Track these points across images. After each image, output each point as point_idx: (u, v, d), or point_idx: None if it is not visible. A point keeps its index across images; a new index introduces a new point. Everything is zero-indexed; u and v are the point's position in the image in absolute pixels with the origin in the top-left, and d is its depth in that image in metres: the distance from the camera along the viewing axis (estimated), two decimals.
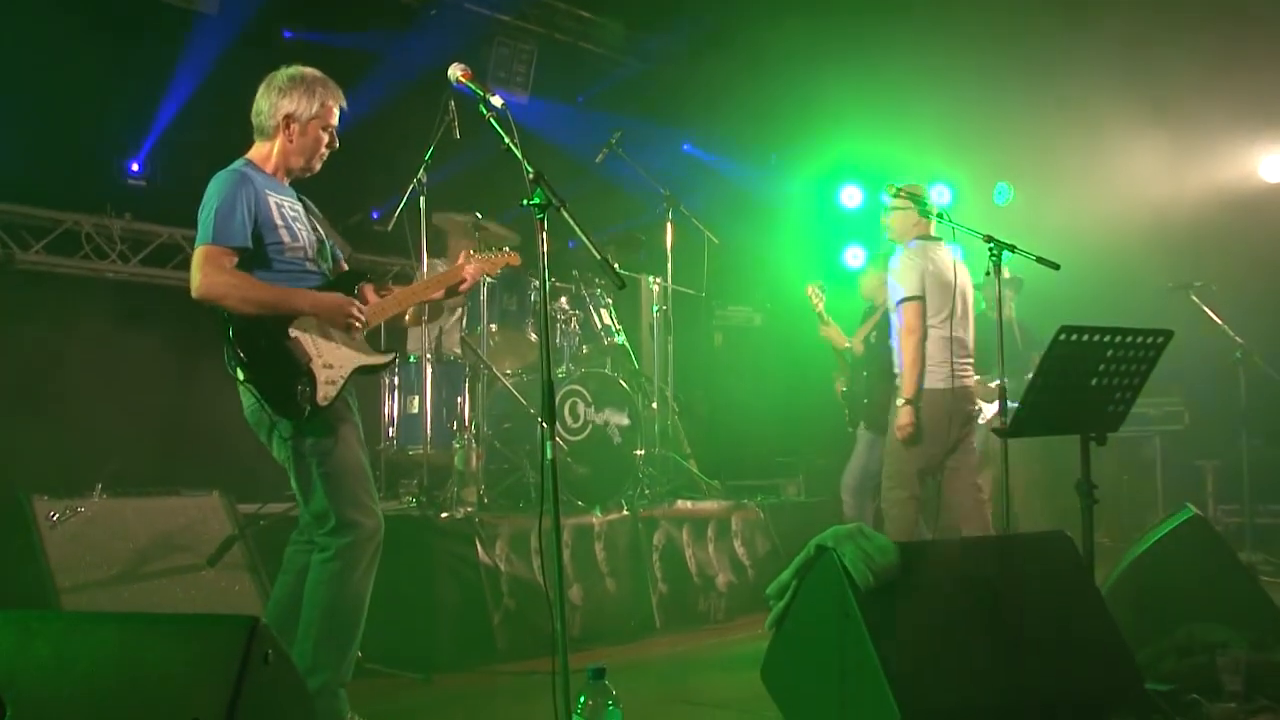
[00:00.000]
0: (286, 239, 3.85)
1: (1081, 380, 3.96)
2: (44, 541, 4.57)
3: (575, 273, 6.81)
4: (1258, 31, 7.80)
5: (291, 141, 3.94)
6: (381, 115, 7.80)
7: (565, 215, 3.40)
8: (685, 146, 10.13)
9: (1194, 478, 8.49)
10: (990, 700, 3.35)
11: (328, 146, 4.03)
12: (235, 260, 3.73)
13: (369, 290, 4.08)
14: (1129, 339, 4.00)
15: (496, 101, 3.54)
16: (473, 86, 3.60)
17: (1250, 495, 7.72)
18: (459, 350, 6.43)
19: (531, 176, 3.39)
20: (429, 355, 6.04)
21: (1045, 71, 8.43)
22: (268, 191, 3.86)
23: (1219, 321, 7.48)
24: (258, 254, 3.80)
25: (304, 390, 3.68)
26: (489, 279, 6.20)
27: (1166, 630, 4.26)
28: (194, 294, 3.70)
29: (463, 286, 4.19)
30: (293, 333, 3.75)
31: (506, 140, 3.49)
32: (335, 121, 4.01)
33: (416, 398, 6.14)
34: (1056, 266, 4.56)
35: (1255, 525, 7.67)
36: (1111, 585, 4.56)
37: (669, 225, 7.28)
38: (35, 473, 5.34)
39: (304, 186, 4.10)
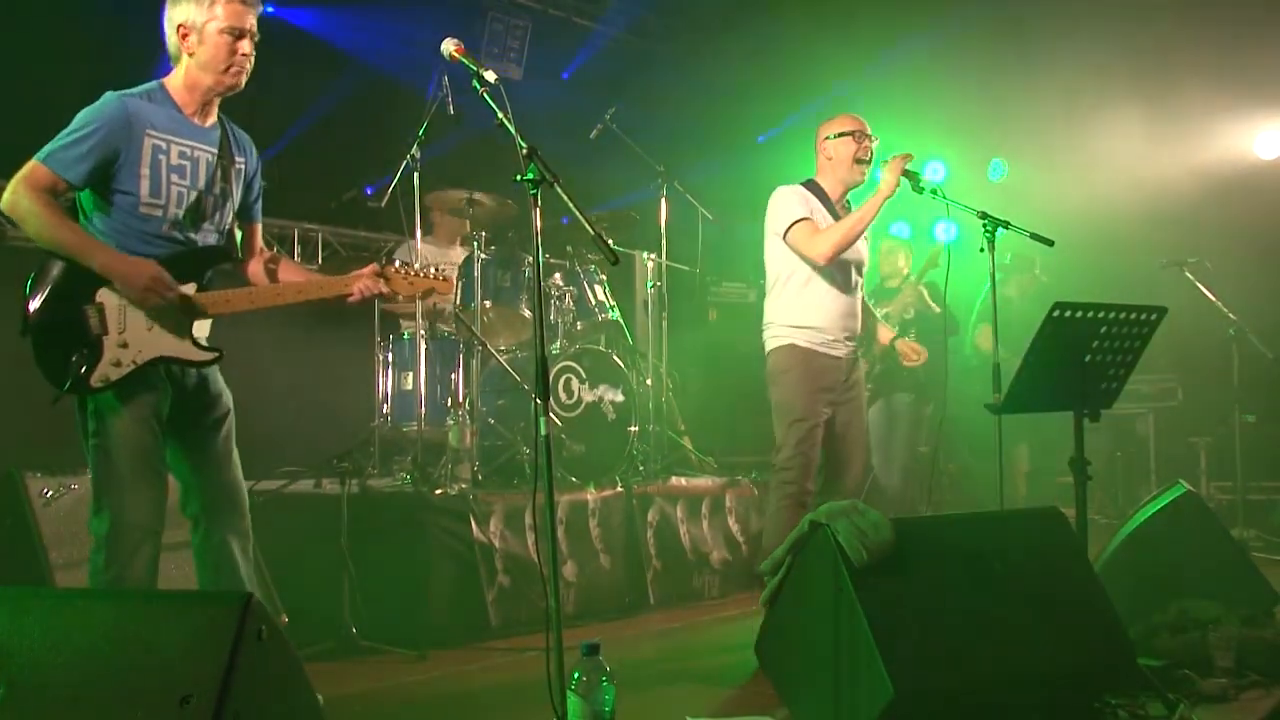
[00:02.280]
0: (143, 191, 3.41)
1: (1075, 357, 3.97)
2: (36, 518, 4.55)
3: (569, 249, 6.79)
4: (1252, 10, 7.78)
5: (193, 56, 3.48)
6: (375, 91, 7.78)
7: (559, 191, 3.38)
8: (677, 121, 10.12)
9: (1187, 454, 8.51)
10: (984, 676, 3.36)
11: (248, 56, 3.50)
12: (63, 189, 3.35)
13: (274, 271, 3.80)
14: (1122, 315, 4.01)
15: (490, 77, 3.50)
16: (466, 62, 3.56)
17: (1243, 472, 7.75)
18: (453, 326, 6.41)
19: (525, 152, 3.37)
20: (423, 332, 6.02)
21: (1040, 49, 8.42)
22: (152, 130, 3.43)
23: (1213, 298, 7.48)
24: (102, 198, 3.41)
25: (77, 363, 3.32)
26: (483, 256, 6.19)
27: (1159, 606, 4.29)
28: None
29: (349, 299, 3.70)
30: (100, 298, 3.38)
31: (500, 116, 3.46)
32: (245, 24, 3.46)
33: (410, 374, 6.13)
34: (1050, 243, 4.55)
35: (1248, 502, 7.69)
36: (1105, 561, 4.58)
37: (663, 201, 7.26)
38: (28, 449, 5.32)
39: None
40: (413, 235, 5.86)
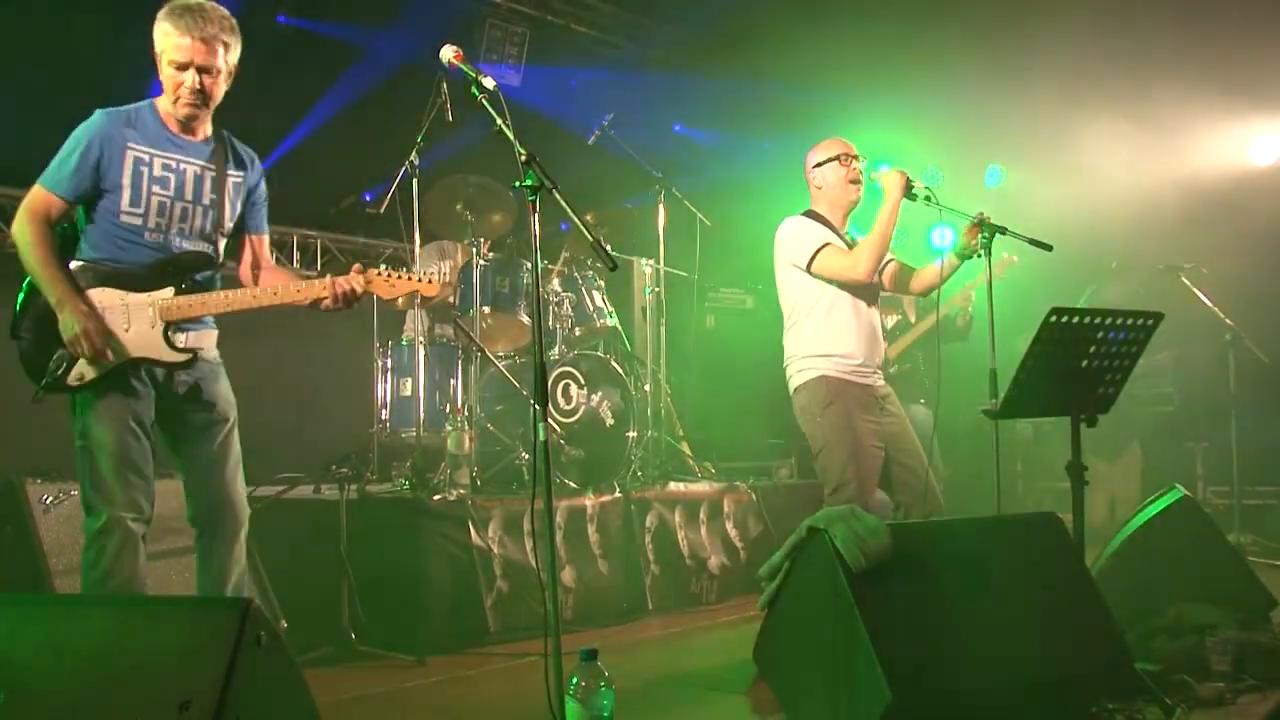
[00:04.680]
0: (124, 201, 3.56)
1: (1072, 362, 3.97)
2: (36, 525, 4.55)
3: (567, 254, 6.80)
4: (1246, 16, 7.79)
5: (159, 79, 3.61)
6: (374, 98, 7.79)
7: (557, 197, 3.38)
8: (676, 127, 10.12)
9: (1184, 459, 8.50)
10: (981, 681, 3.36)
11: (191, 90, 3.58)
12: (61, 210, 3.55)
13: (258, 275, 3.88)
14: (1119, 321, 4.01)
15: (488, 83, 3.51)
16: (464, 69, 3.57)
17: (1239, 476, 7.74)
18: (452, 332, 6.42)
19: (524, 159, 3.38)
20: (421, 338, 6.02)
21: (1035, 56, 8.41)
22: (134, 144, 3.58)
23: (1209, 304, 7.49)
24: (90, 208, 3.59)
25: (56, 362, 3.47)
26: (481, 261, 6.19)
27: (1156, 611, 4.28)
28: None
29: (324, 304, 3.72)
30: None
31: (499, 122, 3.47)
32: (186, 58, 3.54)
33: (409, 380, 6.14)
34: (1049, 248, 4.52)
35: (1244, 506, 7.67)
36: (1102, 566, 4.58)
37: (661, 207, 7.26)
38: (28, 456, 5.32)
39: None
40: (410, 240, 5.86)
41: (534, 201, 3.39)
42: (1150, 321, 4.08)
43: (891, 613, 3.29)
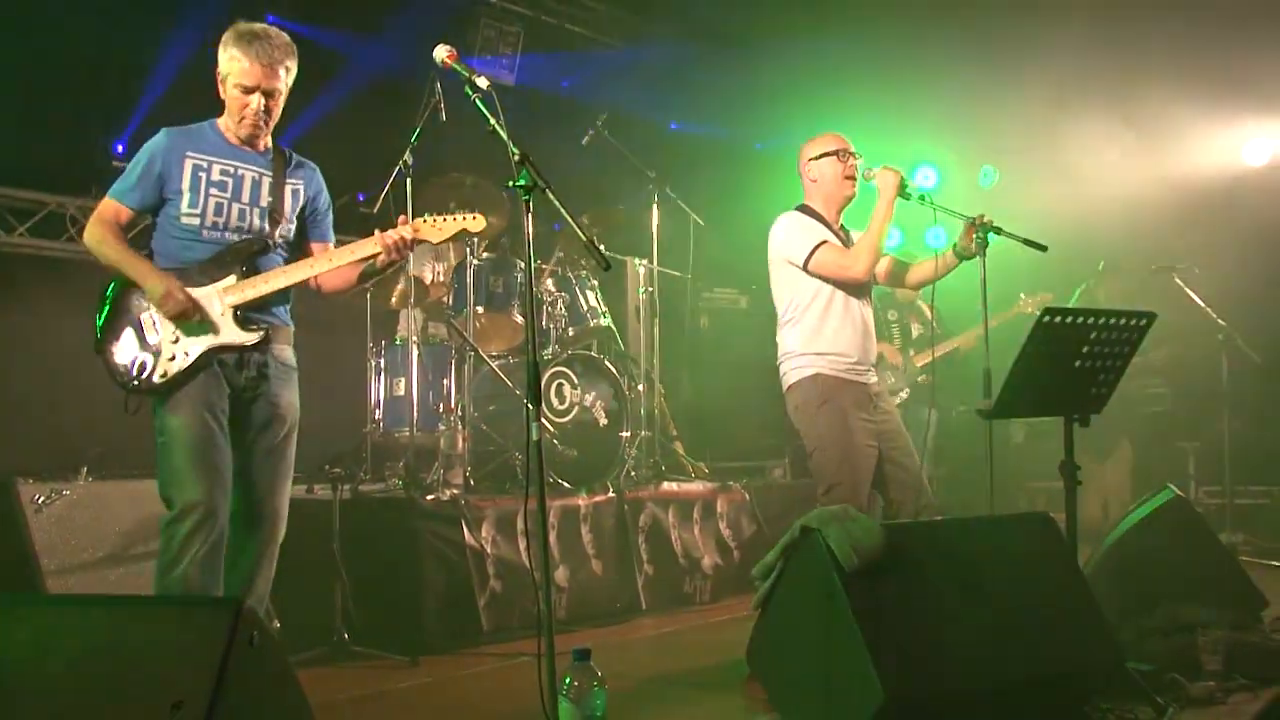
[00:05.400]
0: (184, 204, 3.74)
1: (1065, 362, 3.96)
2: (29, 525, 4.55)
3: (561, 254, 6.79)
4: (1239, 18, 7.80)
5: (223, 100, 3.83)
6: (368, 96, 7.78)
7: (551, 197, 3.38)
8: (673, 125, 10.13)
9: (1176, 459, 8.51)
10: (974, 681, 3.36)
11: (255, 112, 3.77)
12: (129, 217, 3.77)
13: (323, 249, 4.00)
14: (1112, 321, 4.00)
15: (482, 83, 3.51)
16: (458, 69, 3.57)
17: (1231, 476, 7.76)
18: (445, 333, 6.41)
19: (517, 158, 3.38)
20: (415, 338, 6.02)
21: (1031, 56, 8.42)
22: (193, 153, 3.76)
23: (1202, 304, 7.50)
24: (157, 217, 3.80)
25: (141, 365, 3.65)
26: (474, 260, 6.18)
27: (1148, 610, 4.29)
28: None
29: (379, 260, 3.85)
30: (151, 305, 3.69)
31: (492, 122, 3.47)
32: (253, 82, 3.72)
33: (402, 380, 6.13)
34: (1043, 248, 4.52)
35: (1235, 506, 7.69)
36: (1094, 566, 4.58)
37: (655, 208, 7.26)
38: (21, 456, 5.31)
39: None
40: None
41: (528, 201, 3.39)
42: (1143, 322, 4.08)
43: (884, 613, 3.29)
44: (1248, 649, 4.04)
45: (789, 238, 4.79)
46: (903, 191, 4.71)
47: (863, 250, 4.69)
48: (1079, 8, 8.19)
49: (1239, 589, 4.73)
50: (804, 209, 4.90)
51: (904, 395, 7.23)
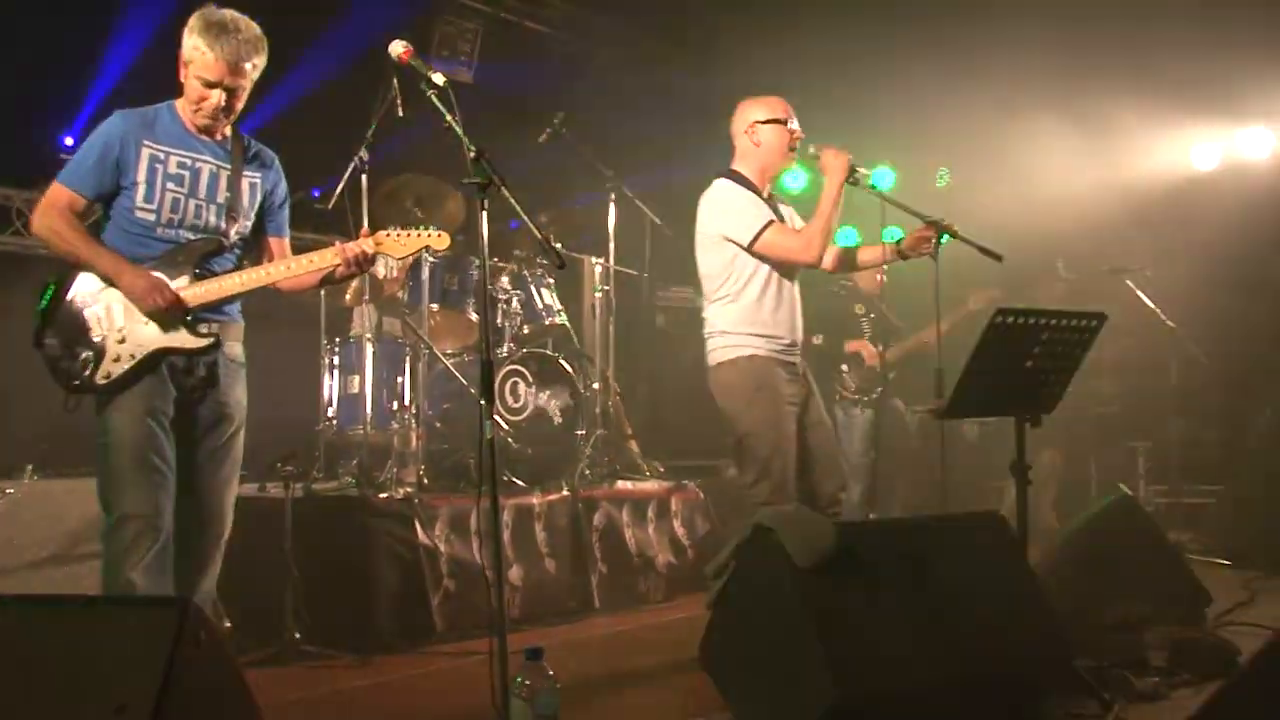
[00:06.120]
0: (138, 197, 3.59)
1: (1016, 362, 3.99)
2: None
3: (517, 252, 6.77)
4: (1189, 21, 7.90)
5: (182, 83, 3.65)
6: (323, 92, 7.71)
7: (506, 194, 3.37)
8: (631, 123, 10.11)
9: (1127, 459, 8.61)
10: (925, 679, 3.38)
11: (215, 107, 3.61)
12: (82, 204, 3.58)
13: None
14: (1064, 322, 4.04)
15: (438, 79, 3.49)
16: (414, 64, 3.56)
17: (1179, 476, 7.88)
18: (400, 330, 6.37)
19: (473, 155, 3.36)
20: (369, 335, 5.98)
21: (985, 59, 8.48)
22: (150, 142, 3.61)
23: (1152, 306, 7.60)
24: (110, 204, 3.63)
25: (84, 363, 3.51)
26: (429, 258, 6.15)
27: (1097, 608, 4.34)
28: None
29: (337, 272, 3.79)
30: (97, 301, 3.55)
31: (448, 118, 3.46)
32: (216, 77, 3.56)
33: (356, 378, 6.08)
34: (999, 258, 4.50)
35: (1183, 505, 7.81)
36: (1045, 564, 4.63)
37: (612, 206, 7.26)
38: None
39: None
40: (360, 238, 5.79)
41: (482, 199, 3.38)
42: (1094, 323, 4.12)
43: (836, 611, 3.30)
44: (1192, 645, 4.10)
45: (731, 214, 4.57)
46: (851, 176, 4.54)
47: (816, 234, 4.50)
48: (1031, 10, 8.25)
49: (1185, 587, 4.81)
50: (736, 176, 4.68)
51: (877, 393, 7.24)
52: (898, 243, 4.67)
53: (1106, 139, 8.70)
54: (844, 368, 7.25)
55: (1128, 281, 7.59)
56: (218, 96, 3.61)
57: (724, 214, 4.58)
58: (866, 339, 7.29)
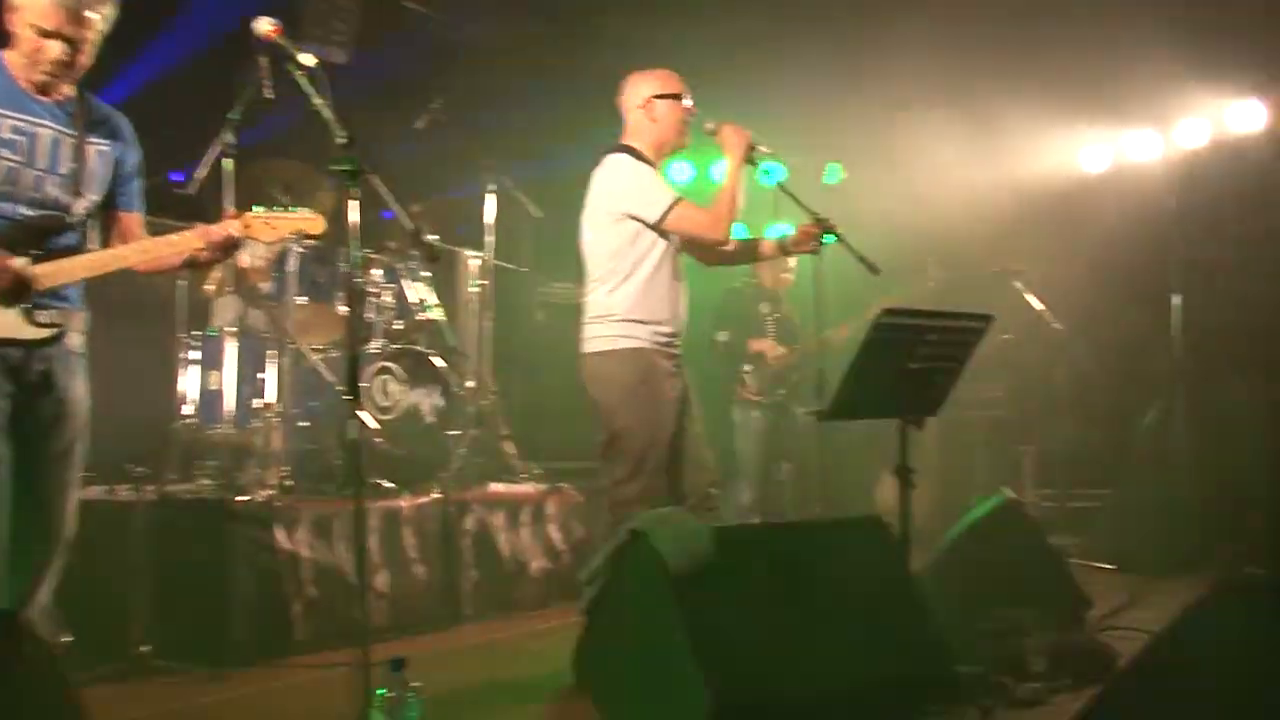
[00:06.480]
0: None
1: (901, 363, 4.07)
2: None
3: (390, 244, 6.69)
4: (1079, 23, 8.14)
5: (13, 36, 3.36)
6: (186, 70, 7.52)
7: (376, 183, 3.34)
8: (514, 111, 10.07)
9: (1013, 462, 8.82)
10: (803, 686, 3.43)
11: (54, 61, 3.32)
12: None
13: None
14: (950, 323, 4.13)
15: (307, 59, 3.44)
16: (281, 42, 3.50)
17: (1064, 480, 8.12)
18: (264, 323, 6.24)
19: (342, 141, 3.33)
20: (231, 328, 5.86)
21: (876, 55, 8.61)
22: None
23: (1040, 307, 7.82)
24: None
25: None
26: (298, 248, 6.05)
27: (979, 613, 4.45)
28: None
29: (201, 256, 3.57)
30: None
31: (316, 101, 3.41)
32: (53, 26, 3.27)
33: (217, 373, 5.94)
34: (877, 271, 4.58)
35: (1068, 509, 8.05)
36: (927, 569, 4.73)
37: (491, 197, 7.22)
38: None
39: None
40: None
41: (351, 187, 3.35)
42: (980, 324, 4.22)
43: (713, 618, 3.34)
44: (1072, 650, 4.24)
45: (636, 190, 4.49)
46: (751, 153, 4.56)
47: (724, 210, 4.46)
48: (922, 9, 8.42)
49: (1066, 591, 4.97)
50: (632, 151, 4.60)
51: (780, 394, 7.30)
52: (784, 239, 4.73)
53: (997, 139, 8.91)
54: (747, 367, 7.29)
55: (1015, 283, 7.79)
56: (57, 49, 3.32)
57: (628, 190, 4.50)
58: (771, 339, 7.33)
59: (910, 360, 4.09)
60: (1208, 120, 8.54)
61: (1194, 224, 8.30)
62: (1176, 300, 8.03)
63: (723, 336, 7.21)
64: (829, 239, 4.61)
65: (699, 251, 4.80)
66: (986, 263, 8.06)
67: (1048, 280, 7.98)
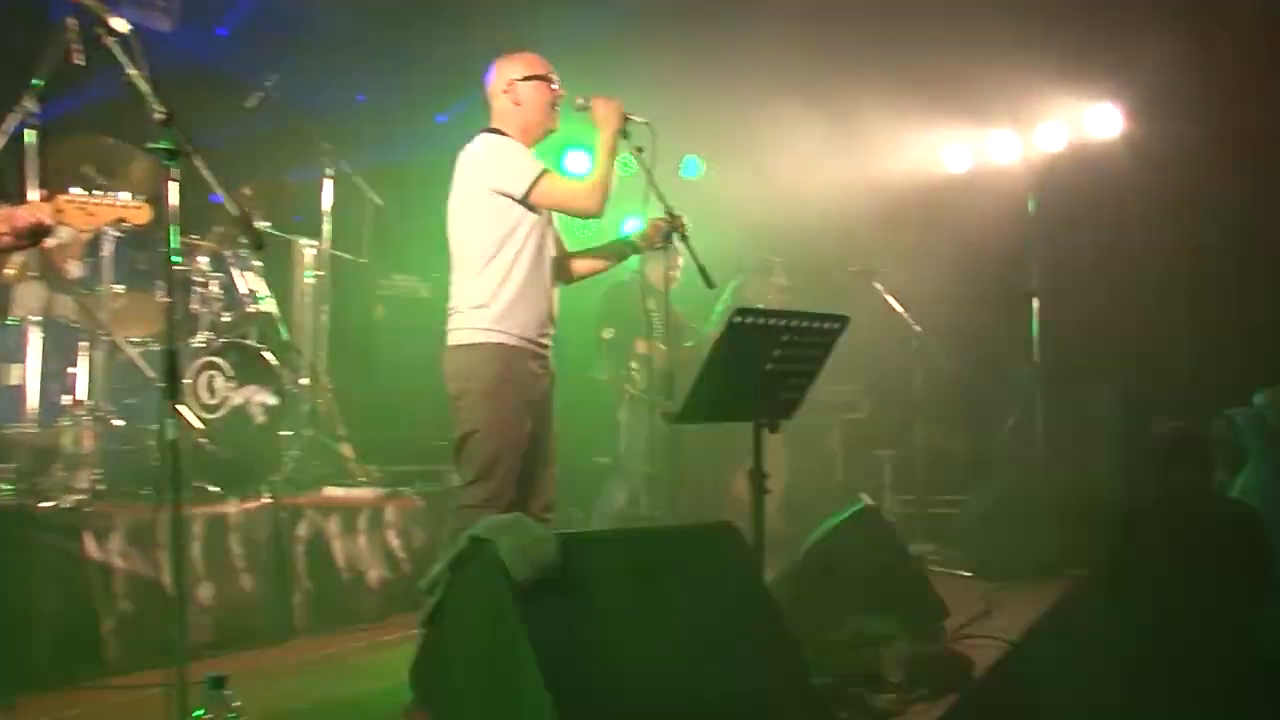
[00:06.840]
0: None
1: (754, 366, 4.10)
2: None
3: (218, 229, 6.52)
4: (942, 22, 8.34)
5: None
6: None
7: (197, 164, 3.24)
8: (359, 96, 9.90)
9: (873, 467, 8.99)
10: (653, 699, 3.42)
11: None
12: None
13: None
14: (804, 324, 4.17)
15: (119, 25, 3.32)
16: (90, 4, 3.37)
17: (923, 486, 8.31)
18: (73, 312, 6.02)
19: (161, 117, 3.22)
20: (35, 318, 5.64)
21: (740, 48, 8.71)
22: None
23: (899, 309, 7.99)
24: None
25: None
26: (114, 232, 5.85)
27: (835, 623, 4.52)
28: None
29: (2, 241, 3.48)
30: None
31: (130, 72, 3.29)
32: None
33: (18, 367, 5.71)
34: (712, 286, 4.65)
35: (927, 515, 8.23)
36: (782, 577, 4.79)
37: (329, 183, 7.09)
38: None
39: None
40: (24, 203, 5.47)
41: (171, 167, 3.25)
42: (836, 325, 4.28)
43: (559, 629, 3.30)
44: (928, 660, 4.32)
45: (502, 162, 4.46)
46: (625, 125, 4.58)
47: (597, 184, 4.47)
48: (785, 4, 8.54)
49: (923, 600, 5.08)
50: (500, 133, 4.61)
51: (666, 394, 7.29)
52: (635, 236, 4.76)
53: (859, 137, 9.08)
54: (633, 365, 7.31)
55: (875, 283, 7.94)
56: None
57: (493, 165, 4.48)
58: (656, 338, 7.33)
59: (765, 362, 4.12)
60: (1065, 124, 8.85)
61: (1052, 227, 8.59)
62: (1035, 303, 8.30)
63: (609, 334, 7.21)
64: (674, 237, 4.65)
65: (567, 258, 4.81)
66: (847, 262, 8.21)
67: (907, 281, 8.16)
